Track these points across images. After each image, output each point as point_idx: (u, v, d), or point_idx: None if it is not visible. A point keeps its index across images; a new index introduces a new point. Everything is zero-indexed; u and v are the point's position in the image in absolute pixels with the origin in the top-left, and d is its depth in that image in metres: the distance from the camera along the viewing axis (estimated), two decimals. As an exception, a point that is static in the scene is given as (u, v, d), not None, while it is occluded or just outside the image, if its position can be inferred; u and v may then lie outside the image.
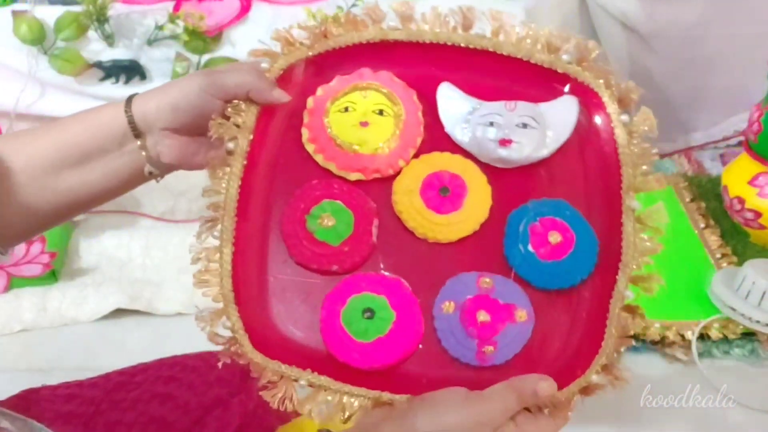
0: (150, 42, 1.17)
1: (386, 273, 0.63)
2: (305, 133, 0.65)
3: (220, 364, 0.56)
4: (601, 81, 0.64)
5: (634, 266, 0.61)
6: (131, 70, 1.17)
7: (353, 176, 0.64)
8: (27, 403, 0.67)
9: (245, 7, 1.15)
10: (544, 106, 0.66)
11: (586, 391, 0.60)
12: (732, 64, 1.36)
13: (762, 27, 1.32)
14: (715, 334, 0.99)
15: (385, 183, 0.65)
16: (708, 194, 1.25)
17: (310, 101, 0.66)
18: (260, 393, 0.56)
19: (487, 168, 0.65)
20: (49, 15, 1.11)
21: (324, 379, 0.58)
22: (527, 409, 0.55)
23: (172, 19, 1.11)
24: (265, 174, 0.64)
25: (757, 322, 0.98)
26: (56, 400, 0.69)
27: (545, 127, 0.65)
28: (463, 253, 0.64)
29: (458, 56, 0.66)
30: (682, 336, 0.99)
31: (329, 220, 0.63)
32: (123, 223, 1.25)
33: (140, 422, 0.67)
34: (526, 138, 0.64)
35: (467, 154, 0.66)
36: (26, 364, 1.04)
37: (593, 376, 0.59)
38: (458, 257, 0.64)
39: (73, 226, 1.25)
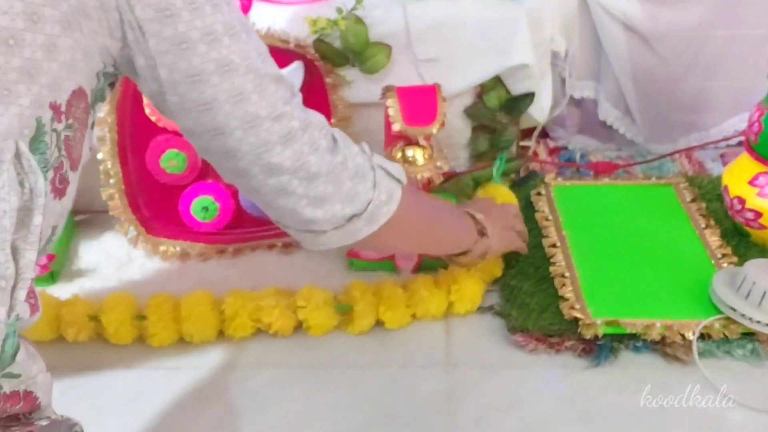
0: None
1: (210, 180, 1.19)
2: (147, 109, 1.13)
3: None
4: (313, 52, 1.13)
5: None
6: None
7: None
8: None
9: (246, 6, 1.15)
10: (284, 71, 1.07)
11: None
12: (733, 66, 1.36)
13: (763, 29, 1.33)
14: (715, 334, 0.99)
15: None
16: (709, 194, 1.25)
17: None
18: None
19: None
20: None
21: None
22: None
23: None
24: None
25: (758, 322, 0.98)
26: None
27: None
28: None
29: None
30: (683, 336, 0.99)
31: (173, 162, 1.17)
32: (123, 223, 1.26)
33: None
34: None
35: None
36: (26, 364, 1.03)
37: None
38: None
39: (74, 228, 1.25)
